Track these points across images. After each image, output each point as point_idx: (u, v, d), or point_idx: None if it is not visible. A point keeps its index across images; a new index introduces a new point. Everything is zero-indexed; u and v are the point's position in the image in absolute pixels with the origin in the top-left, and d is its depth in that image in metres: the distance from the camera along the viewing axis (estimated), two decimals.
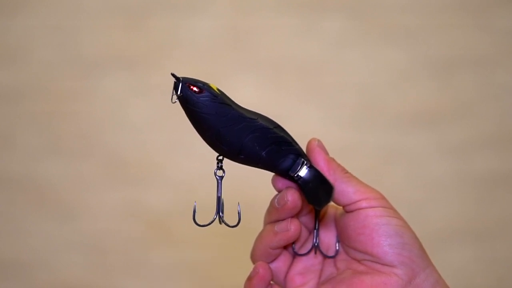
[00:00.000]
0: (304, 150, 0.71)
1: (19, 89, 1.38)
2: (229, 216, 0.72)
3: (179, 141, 1.39)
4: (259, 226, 0.74)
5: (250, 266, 0.73)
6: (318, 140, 0.71)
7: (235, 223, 0.71)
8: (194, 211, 0.72)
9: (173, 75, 0.67)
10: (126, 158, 1.38)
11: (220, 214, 0.71)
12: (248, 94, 1.39)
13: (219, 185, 0.70)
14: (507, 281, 1.41)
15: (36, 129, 1.38)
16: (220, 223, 0.71)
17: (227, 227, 0.71)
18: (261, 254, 0.72)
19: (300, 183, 0.69)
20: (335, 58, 1.40)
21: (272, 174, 0.71)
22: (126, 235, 1.38)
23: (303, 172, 0.69)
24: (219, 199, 0.70)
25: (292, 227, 0.70)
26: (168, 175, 1.39)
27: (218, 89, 0.68)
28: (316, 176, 0.69)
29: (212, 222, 0.71)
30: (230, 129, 0.67)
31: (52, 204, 1.38)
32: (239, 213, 0.72)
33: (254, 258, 0.73)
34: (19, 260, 1.38)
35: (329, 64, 1.41)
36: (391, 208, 0.70)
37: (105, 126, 1.39)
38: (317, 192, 0.69)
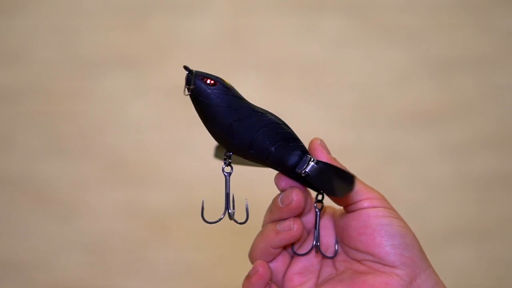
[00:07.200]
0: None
1: (19, 89, 1.37)
2: (236, 213, 0.71)
3: (179, 141, 1.38)
4: (259, 225, 0.74)
5: (250, 266, 0.73)
6: (321, 140, 0.71)
7: (242, 220, 0.71)
8: (202, 208, 0.71)
9: (185, 67, 0.66)
10: (126, 158, 1.38)
11: (229, 210, 0.69)
12: (248, 94, 1.38)
13: (227, 181, 0.69)
14: (507, 281, 1.41)
15: (36, 129, 1.38)
16: (231, 219, 0.70)
17: (236, 224, 0.70)
18: (261, 253, 0.72)
19: (311, 179, 0.68)
20: (335, 58, 1.40)
21: (275, 172, 0.71)
22: (126, 235, 1.38)
23: (311, 168, 0.68)
24: (227, 195, 0.69)
25: (295, 227, 0.70)
26: (168, 175, 1.38)
27: (229, 83, 0.67)
28: (328, 168, 0.68)
29: (221, 219, 0.70)
30: (242, 123, 0.66)
31: (52, 204, 1.38)
32: (247, 210, 0.71)
33: (253, 257, 0.73)
34: (19, 260, 1.38)
35: (329, 64, 1.41)
36: (392, 209, 0.70)
37: (105, 126, 1.39)
38: (331, 182, 0.68)
